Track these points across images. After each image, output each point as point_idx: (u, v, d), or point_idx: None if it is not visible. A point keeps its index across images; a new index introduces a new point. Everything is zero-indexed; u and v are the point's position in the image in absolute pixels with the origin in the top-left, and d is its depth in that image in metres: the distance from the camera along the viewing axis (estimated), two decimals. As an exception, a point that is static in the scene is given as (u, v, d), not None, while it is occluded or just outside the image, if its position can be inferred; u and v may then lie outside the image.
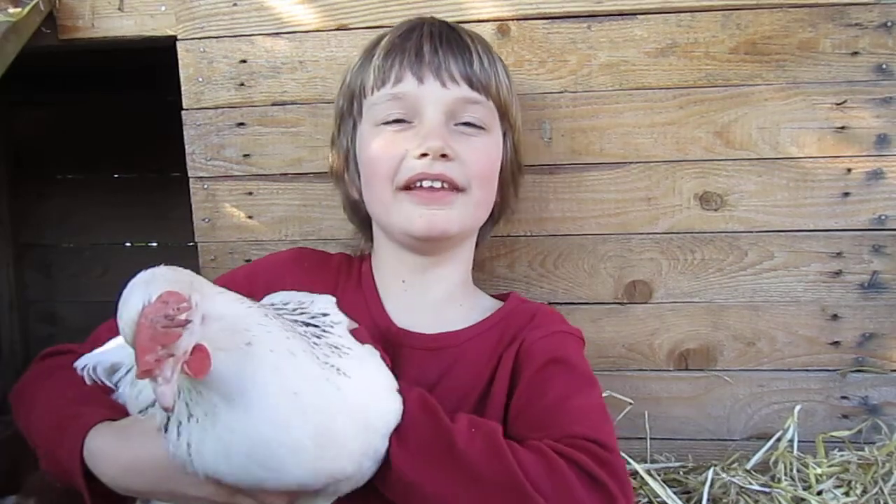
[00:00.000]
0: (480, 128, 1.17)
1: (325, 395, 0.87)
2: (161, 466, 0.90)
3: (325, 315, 0.99)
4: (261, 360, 0.82)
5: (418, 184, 1.13)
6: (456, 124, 1.16)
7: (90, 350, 1.09)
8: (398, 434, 0.95)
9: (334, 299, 1.03)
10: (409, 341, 1.19)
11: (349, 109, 1.23)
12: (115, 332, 0.97)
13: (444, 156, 1.12)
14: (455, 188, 1.14)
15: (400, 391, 0.98)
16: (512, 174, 1.27)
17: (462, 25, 1.24)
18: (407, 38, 1.17)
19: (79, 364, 1.04)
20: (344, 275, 1.28)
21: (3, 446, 1.50)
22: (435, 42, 1.16)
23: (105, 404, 1.00)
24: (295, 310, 0.99)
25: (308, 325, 0.95)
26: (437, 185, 1.13)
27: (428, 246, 1.19)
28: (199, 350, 0.78)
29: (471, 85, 1.16)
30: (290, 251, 1.33)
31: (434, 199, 1.13)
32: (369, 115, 1.18)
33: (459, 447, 0.95)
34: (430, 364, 1.17)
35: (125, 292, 0.78)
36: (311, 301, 1.02)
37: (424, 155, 1.11)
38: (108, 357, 1.02)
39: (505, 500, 0.93)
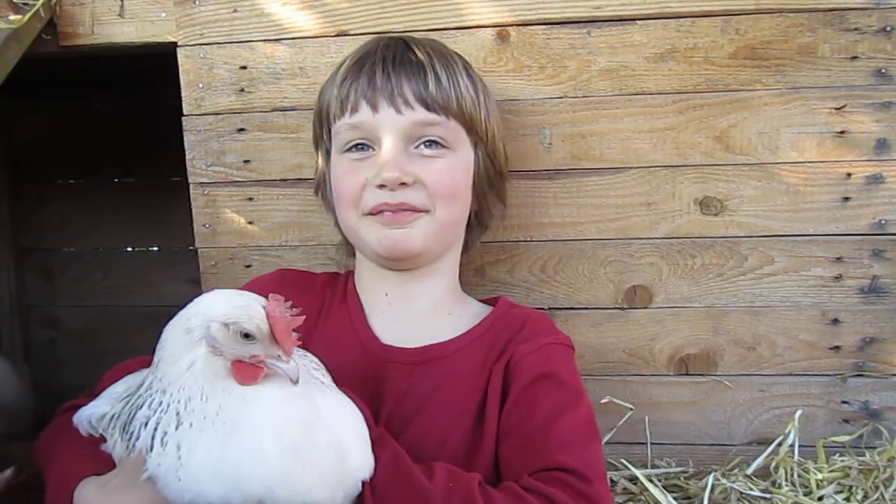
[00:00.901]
0: (442, 146, 1.17)
1: (312, 424, 0.91)
2: None
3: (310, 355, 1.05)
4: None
5: (381, 210, 1.16)
6: (416, 146, 1.16)
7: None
8: (375, 493, 0.97)
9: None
10: (395, 356, 1.20)
11: (320, 133, 1.26)
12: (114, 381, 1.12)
13: (402, 184, 1.14)
14: (418, 210, 1.16)
15: (373, 446, 0.99)
16: (489, 183, 1.27)
17: (425, 40, 1.24)
18: (361, 65, 1.18)
19: (76, 418, 1.09)
20: (329, 293, 1.29)
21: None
22: (388, 67, 1.16)
23: (99, 461, 1.04)
24: None
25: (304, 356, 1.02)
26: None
27: (401, 263, 1.21)
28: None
29: (426, 107, 1.15)
30: (274, 273, 1.35)
31: (396, 220, 1.16)
32: (336, 141, 1.21)
33: None
34: (418, 379, 1.18)
35: (214, 307, 0.92)
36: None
37: (383, 186, 1.14)
38: (98, 409, 1.08)
39: None
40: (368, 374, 1.18)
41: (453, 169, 1.19)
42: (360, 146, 1.17)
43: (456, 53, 1.25)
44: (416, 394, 1.17)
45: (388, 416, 1.15)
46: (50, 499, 1.08)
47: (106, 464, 1.01)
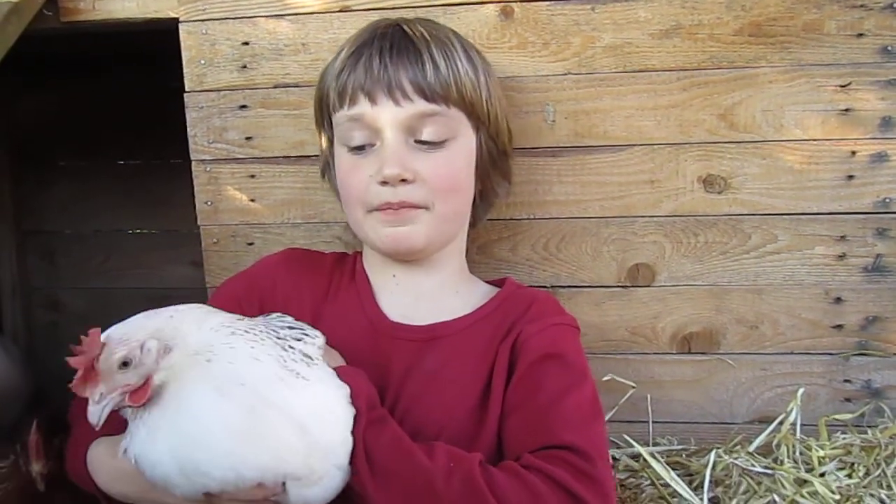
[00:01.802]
0: (444, 137, 1.16)
1: (273, 391, 0.95)
2: (139, 474, 0.95)
3: (308, 332, 1.06)
4: (215, 371, 0.94)
5: (385, 208, 1.15)
6: (417, 139, 1.15)
7: None
8: (375, 472, 0.98)
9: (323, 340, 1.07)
10: (402, 334, 1.20)
11: (321, 120, 1.25)
12: None
13: (403, 180, 1.13)
14: (418, 207, 1.15)
15: (360, 429, 1.00)
16: (492, 163, 1.26)
17: (420, 21, 1.21)
18: (359, 55, 1.16)
19: None
20: (338, 273, 1.29)
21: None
22: (384, 57, 1.14)
23: (114, 424, 1.05)
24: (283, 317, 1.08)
25: (292, 328, 1.04)
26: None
27: (405, 257, 1.22)
28: (147, 383, 0.93)
29: (426, 98, 1.14)
30: (281, 253, 1.34)
31: (399, 217, 1.15)
32: (338, 133, 1.20)
33: (438, 489, 0.97)
34: (426, 355, 1.18)
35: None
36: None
37: (386, 182, 1.13)
38: None
39: None
40: (377, 352, 1.18)
41: (454, 160, 1.18)
42: (361, 145, 1.17)
43: (453, 33, 1.23)
44: (422, 370, 1.17)
45: (396, 393, 1.16)
46: (68, 459, 1.14)
47: (121, 427, 1.02)
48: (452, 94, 1.15)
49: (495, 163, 1.27)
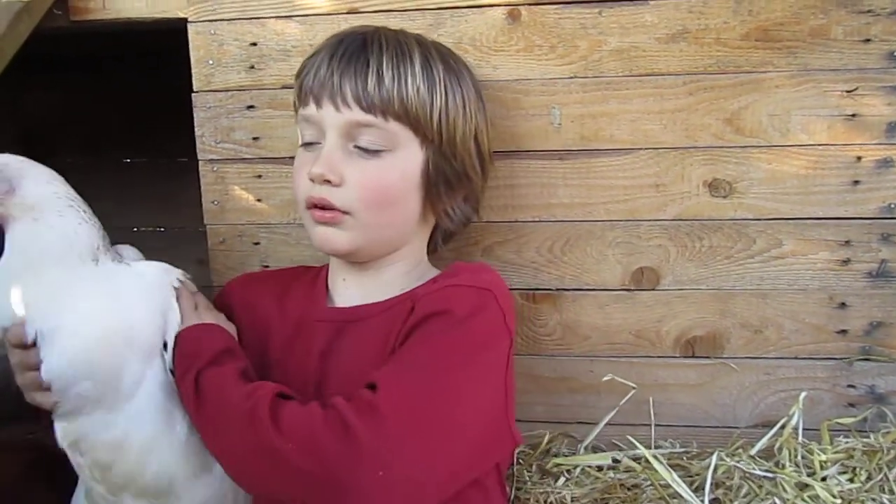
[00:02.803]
0: (380, 147, 1.17)
1: (61, 260, 1.11)
2: None
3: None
4: (32, 228, 1.10)
5: (310, 205, 1.19)
6: (355, 146, 1.18)
7: None
8: (199, 394, 1.10)
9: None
10: (326, 315, 1.25)
11: (295, 115, 1.28)
12: None
13: (327, 181, 1.16)
14: (339, 210, 1.18)
15: (196, 368, 1.11)
16: (446, 184, 1.23)
17: (391, 33, 1.22)
18: (315, 59, 1.20)
19: None
20: (297, 280, 1.34)
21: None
22: (333, 65, 1.17)
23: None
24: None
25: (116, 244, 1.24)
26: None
27: (343, 258, 1.26)
28: None
29: (362, 108, 1.15)
30: (239, 277, 1.43)
31: (324, 218, 1.19)
32: (298, 129, 1.26)
33: (231, 414, 1.05)
34: (343, 335, 1.21)
35: None
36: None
37: (312, 180, 1.17)
38: None
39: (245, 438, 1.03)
40: (304, 336, 1.24)
41: (386, 172, 1.18)
42: (310, 142, 1.22)
43: (420, 48, 1.21)
44: (336, 350, 1.20)
45: (317, 372, 1.20)
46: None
47: None
48: (392, 108, 1.16)
49: (449, 183, 1.24)
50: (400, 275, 1.27)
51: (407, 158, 1.19)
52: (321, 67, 1.18)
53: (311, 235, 1.23)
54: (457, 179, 1.25)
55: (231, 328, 1.25)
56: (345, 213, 1.18)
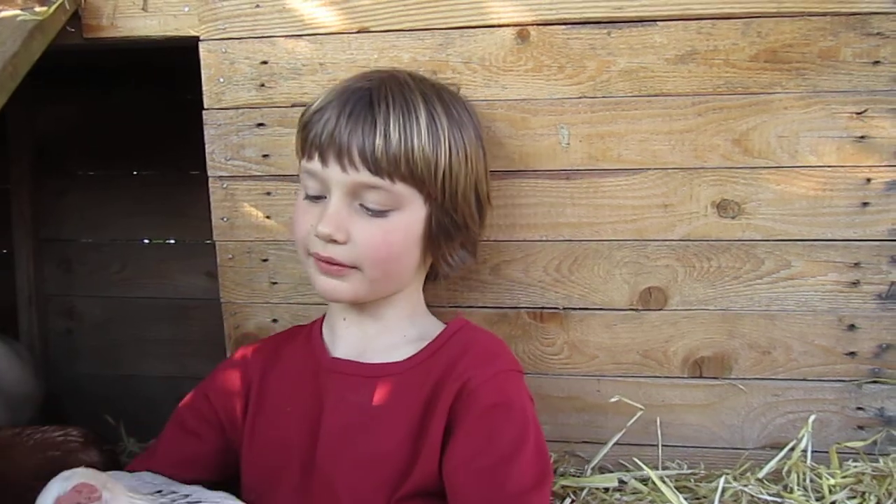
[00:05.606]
0: (383, 211, 1.20)
1: None
2: None
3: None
4: None
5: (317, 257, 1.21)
6: (361, 204, 1.19)
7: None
8: None
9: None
10: (340, 368, 1.25)
11: (298, 163, 1.28)
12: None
13: (334, 240, 1.18)
14: (346, 266, 1.20)
15: None
16: (446, 235, 1.26)
17: (396, 84, 1.22)
18: (323, 113, 1.20)
19: None
20: (291, 340, 1.36)
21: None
22: (341, 122, 1.17)
23: None
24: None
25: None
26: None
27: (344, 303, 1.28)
28: None
29: (370, 170, 1.16)
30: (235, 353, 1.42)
31: (329, 270, 1.21)
32: (300, 175, 1.26)
33: None
34: (359, 389, 1.22)
35: (48, 484, 0.97)
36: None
37: (319, 237, 1.19)
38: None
39: None
40: (315, 385, 1.25)
41: (392, 231, 1.20)
42: (315, 197, 1.23)
43: (424, 98, 1.21)
44: (353, 402, 1.22)
45: (328, 423, 1.21)
46: None
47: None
48: (400, 170, 1.17)
49: (449, 235, 1.27)
50: (400, 318, 1.30)
51: (411, 216, 1.22)
52: (328, 124, 1.18)
53: (313, 282, 1.25)
54: (456, 230, 1.28)
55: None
56: (352, 267, 1.20)
